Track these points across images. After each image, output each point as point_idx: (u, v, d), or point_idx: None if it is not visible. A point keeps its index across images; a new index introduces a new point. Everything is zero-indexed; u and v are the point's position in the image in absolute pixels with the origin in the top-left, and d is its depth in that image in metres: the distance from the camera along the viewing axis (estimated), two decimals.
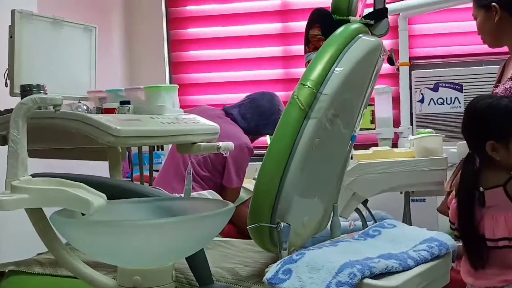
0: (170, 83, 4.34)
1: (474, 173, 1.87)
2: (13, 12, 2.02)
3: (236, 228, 2.67)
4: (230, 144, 2.10)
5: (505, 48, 2.52)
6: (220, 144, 2.05)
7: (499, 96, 2.22)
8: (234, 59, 4.33)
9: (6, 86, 2.03)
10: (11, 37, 2.02)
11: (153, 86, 2.00)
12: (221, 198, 2.78)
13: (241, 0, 4.31)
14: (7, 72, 2.03)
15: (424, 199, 3.31)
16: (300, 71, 4.09)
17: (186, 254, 1.41)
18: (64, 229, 1.26)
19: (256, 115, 3.05)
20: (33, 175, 1.33)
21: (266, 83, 4.16)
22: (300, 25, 3.83)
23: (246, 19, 4.31)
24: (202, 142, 2.03)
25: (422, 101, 3.59)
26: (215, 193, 2.76)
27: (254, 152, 3.00)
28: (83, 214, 1.26)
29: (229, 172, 2.87)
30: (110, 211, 1.31)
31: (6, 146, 1.34)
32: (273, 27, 4.29)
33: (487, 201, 1.82)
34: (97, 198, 1.24)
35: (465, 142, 2.67)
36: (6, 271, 1.73)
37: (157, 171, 3.25)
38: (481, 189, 1.83)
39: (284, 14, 4.29)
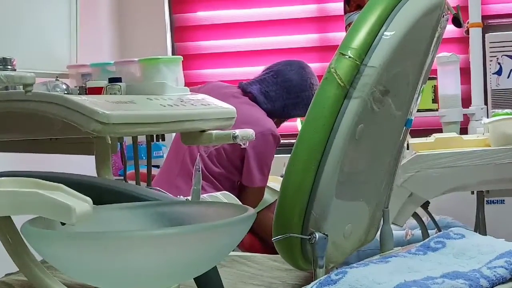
0: (173, 53, 4.35)
1: None
2: None
3: (259, 239, 2.69)
4: (250, 132, 2.11)
5: None
6: (237, 132, 2.06)
7: None
8: (254, 22, 4.34)
9: None
10: None
11: (151, 58, 2.02)
12: (238, 202, 2.79)
13: None
14: None
15: (503, 201, 3.30)
16: (338, 35, 4.10)
17: (195, 274, 1.41)
18: (39, 243, 1.27)
19: (283, 92, 3.05)
20: (0, 174, 1.35)
21: (296, 51, 4.16)
22: None
23: None
24: (214, 129, 2.04)
25: (499, 72, 3.56)
26: (231, 195, 2.77)
27: (282, 141, 3.00)
28: (63, 224, 1.27)
29: (249, 167, 2.88)
30: (98, 220, 1.33)
31: None
32: None
33: None
34: (81, 203, 1.25)
35: None
36: None
37: (157, 166, 3.28)
38: None
39: None
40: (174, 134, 3.07)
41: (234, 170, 2.91)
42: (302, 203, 1.52)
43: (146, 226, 1.44)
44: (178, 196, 2.49)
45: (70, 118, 1.67)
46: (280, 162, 2.99)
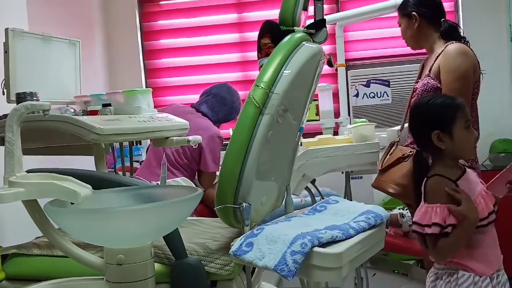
0: (146, 87, 4.28)
1: (424, 168, 1.80)
2: (6, 30, 1.98)
3: (207, 208, 2.65)
4: (198, 138, 2.08)
5: (424, 50, 2.55)
6: (190, 137, 2.03)
7: (435, 94, 2.23)
8: (200, 65, 4.30)
9: (3, 94, 1.98)
10: (6, 52, 1.98)
11: (131, 90, 1.97)
12: (192, 184, 2.75)
13: (203, 14, 4.28)
14: (3, 82, 1.98)
15: (361, 177, 3.34)
16: (255, 73, 4.09)
17: (162, 234, 1.38)
18: (56, 217, 1.22)
19: (221, 105, 3.02)
20: (28, 171, 1.29)
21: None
22: (254, 35, 3.81)
23: (208, 30, 4.28)
24: (174, 136, 2.00)
25: (357, 95, 3.62)
26: (188, 180, 2.73)
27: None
28: (72, 203, 1.23)
29: (205, 159, 2.83)
30: (96, 200, 1.28)
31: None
32: (231, 37, 4.28)
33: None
34: (84, 189, 1.21)
35: (393, 128, 2.71)
36: (9, 254, 1.68)
37: (137, 161, 3.21)
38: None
39: (240, 26, 4.28)
40: (149, 140, 3.01)
41: (194, 162, 2.85)
42: (234, 184, 1.48)
43: (129, 203, 1.40)
44: (154, 182, 2.43)
45: (76, 131, 1.62)
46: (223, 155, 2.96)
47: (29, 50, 2.08)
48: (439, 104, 1.80)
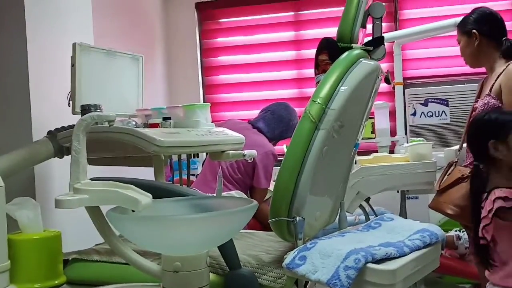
0: (204, 102, 4.35)
1: (482, 179, 1.82)
2: (74, 45, 2.05)
3: (259, 222, 2.66)
4: (254, 152, 2.10)
5: (483, 69, 2.50)
6: (245, 152, 2.05)
7: (493, 109, 2.21)
8: (256, 82, 4.35)
9: (69, 106, 2.06)
10: (73, 65, 2.05)
11: (190, 104, 2.01)
12: (246, 197, 2.78)
13: (261, 32, 4.34)
14: (69, 94, 2.06)
15: (417, 197, 3.28)
16: (310, 90, 4.10)
17: (218, 244, 1.41)
18: (117, 223, 1.27)
19: (278, 123, 3.04)
20: (92, 179, 1.34)
21: (283, 101, 4.17)
22: (311, 52, 3.83)
23: (265, 48, 4.33)
24: (230, 150, 2.03)
25: (414, 114, 3.57)
26: (242, 192, 2.75)
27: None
28: (133, 211, 1.27)
29: (258, 175, 2.86)
30: (155, 208, 1.32)
31: (70, 156, 1.36)
32: (288, 54, 4.31)
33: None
34: (145, 198, 1.25)
35: (451, 148, 2.66)
36: (70, 259, 1.75)
37: (193, 175, 3.25)
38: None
39: (297, 43, 4.31)
40: (205, 154, 3.05)
41: (248, 177, 2.88)
42: (288, 197, 1.50)
43: (187, 212, 1.44)
44: (213, 193, 2.46)
45: (138, 143, 1.67)
46: (275, 171, 2.97)
47: (94, 64, 2.15)
48: (495, 115, 1.83)
